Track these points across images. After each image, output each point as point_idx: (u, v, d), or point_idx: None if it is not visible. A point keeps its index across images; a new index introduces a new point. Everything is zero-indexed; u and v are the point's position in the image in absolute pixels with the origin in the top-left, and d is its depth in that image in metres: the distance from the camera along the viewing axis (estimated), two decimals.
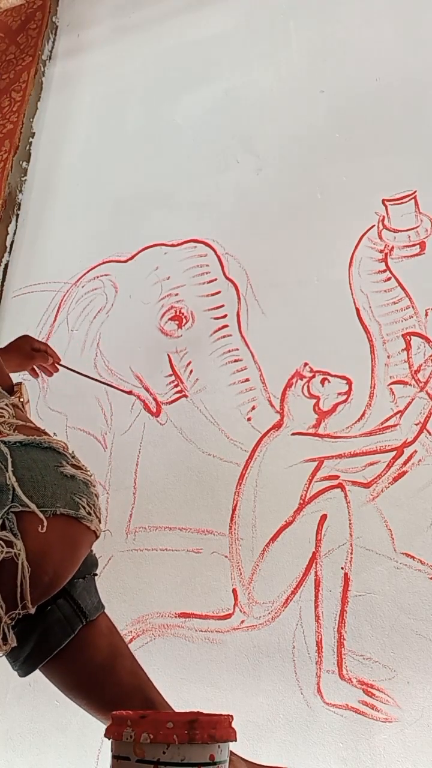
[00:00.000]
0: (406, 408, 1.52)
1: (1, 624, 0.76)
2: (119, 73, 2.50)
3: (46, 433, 0.94)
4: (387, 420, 1.52)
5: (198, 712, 0.70)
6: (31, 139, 2.50)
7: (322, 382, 1.63)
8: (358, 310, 1.68)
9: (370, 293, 1.69)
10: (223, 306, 1.84)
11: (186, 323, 1.86)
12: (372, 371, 1.59)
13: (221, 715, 0.71)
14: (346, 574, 1.41)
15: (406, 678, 1.29)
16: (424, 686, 1.28)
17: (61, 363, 1.58)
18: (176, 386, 1.79)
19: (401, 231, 1.73)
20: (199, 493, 1.62)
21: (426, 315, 1.60)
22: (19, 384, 1.20)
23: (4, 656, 0.89)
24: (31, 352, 1.49)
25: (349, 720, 1.29)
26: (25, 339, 1.51)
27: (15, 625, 0.79)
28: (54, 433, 0.98)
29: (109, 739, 0.71)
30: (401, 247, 1.71)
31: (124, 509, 1.68)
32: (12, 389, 1.15)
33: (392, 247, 1.72)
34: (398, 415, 1.52)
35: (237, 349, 1.76)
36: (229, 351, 1.77)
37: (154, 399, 1.80)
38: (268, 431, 1.62)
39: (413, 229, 1.72)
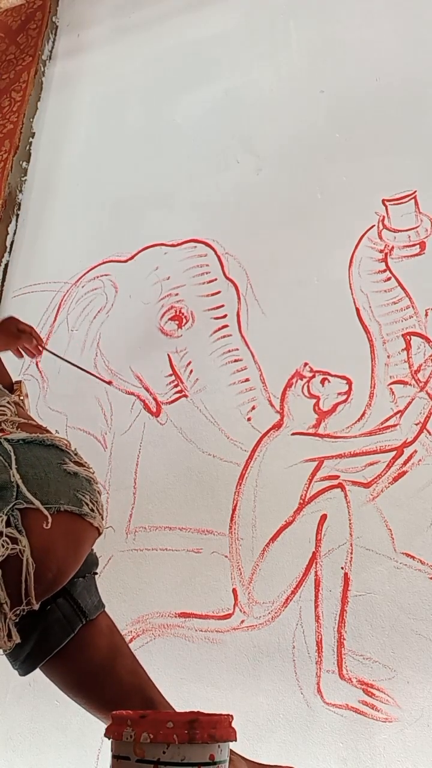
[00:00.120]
0: (406, 408, 1.52)
1: (6, 620, 0.76)
2: (119, 73, 2.50)
3: (48, 431, 0.94)
4: (387, 420, 1.52)
5: (198, 711, 0.70)
6: (31, 139, 2.50)
7: (322, 382, 1.63)
8: (358, 310, 1.68)
9: (370, 293, 1.69)
10: (223, 306, 1.84)
11: (186, 323, 1.86)
12: (372, 371, 1.59)
13: (221, 714, 0.71)
14: (346, 574, 1.41)
15: (406, 678, 1.29)
16: (424, 686, 1.28)
17: (44, 346, 1.61)
18: (176, 386, 1.79)
19: (401, 231, 1.73)
20: (199, 493, 1.62)
21: (426, 315, 1.60)
22: (19, 382, 1.21)
23: (5, 655, 0.89)
24: (16, 332, 1.52)
25: (349, 720, 1.29)
26: (10, 320, 1.55)
27: (17, 623, 0.79)
28: (56, 431, 0.98)
29: (109, 738, 0.71)
30: (401, 247, 1.71)
31: (124, 509, 1.68)
32: (12, 387, 1.16)
33: (392, 247, 1.72)
34: (398, 415, 1.52)
35: (237, 349, 1.76)
36: (229, 351, 1.77)
37: (154, 399, 1.80)
38: (268, 431, 1.62)
39: (413, 229, 1.72)
